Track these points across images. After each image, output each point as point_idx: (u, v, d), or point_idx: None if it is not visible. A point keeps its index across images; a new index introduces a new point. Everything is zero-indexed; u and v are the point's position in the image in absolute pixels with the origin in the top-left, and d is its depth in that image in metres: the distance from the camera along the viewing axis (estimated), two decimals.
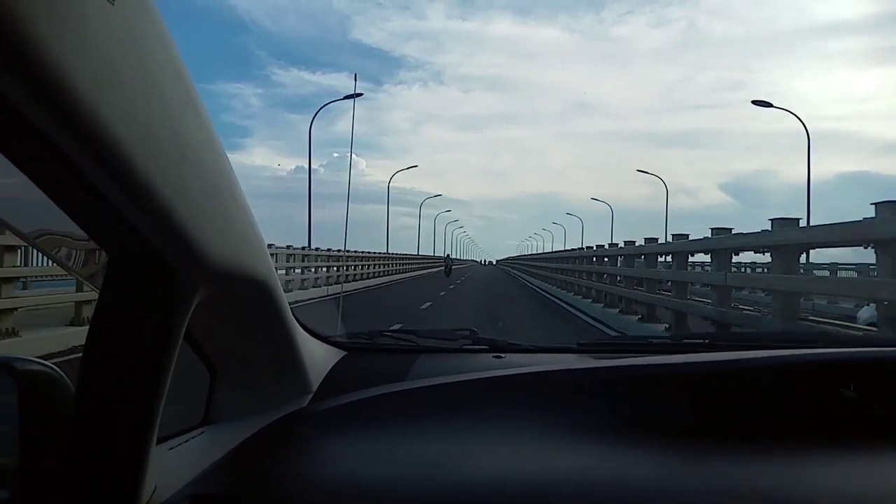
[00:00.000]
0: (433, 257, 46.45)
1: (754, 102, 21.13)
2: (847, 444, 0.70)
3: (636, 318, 8.80)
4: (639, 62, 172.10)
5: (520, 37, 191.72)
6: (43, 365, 0.56)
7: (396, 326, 1.52)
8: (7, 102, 0.33)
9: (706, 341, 1.25)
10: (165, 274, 0.50)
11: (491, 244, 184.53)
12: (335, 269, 17.43)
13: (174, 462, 0.63)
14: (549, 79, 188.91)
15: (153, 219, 0.44)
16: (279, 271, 13.75)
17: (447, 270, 30.54)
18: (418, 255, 43.13)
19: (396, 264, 29.11)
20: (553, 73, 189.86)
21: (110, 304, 0.50)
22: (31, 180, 0.40)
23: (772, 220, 5.40)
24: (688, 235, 7.98)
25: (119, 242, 0.48)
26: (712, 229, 6.96)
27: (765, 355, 0.85)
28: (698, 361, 0.87)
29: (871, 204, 4.15)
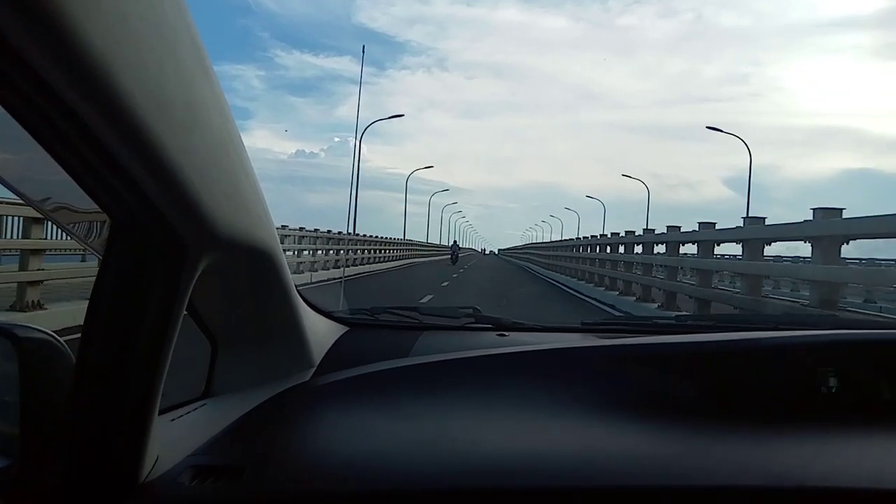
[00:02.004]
0: (437, 246, 46.43)
1: (708, 128, 22.72)
2: (846, 424, 0.70)
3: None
4: (645, 53, 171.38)
5: (525, 24, 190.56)
6: (45, 333, 0.56)
7: None
8: (14, 54, 0.32)
9: (711, 322, 1.24)
10: (171, 239, 0.49)
11: (492, 233, 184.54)
12: (344, 252, 17.51)
13: (176, 433, 0.63)
14: (554, 68, 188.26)
15: (161, 181, 0.43)
16: (289, 253, 13.88)
17: (454, 258, 30.79)
18: (426, 242, 43.21)
19: (404, 250, 29.20)
20: (558, 62, 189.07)
21: (113, 271, 0.49)
22: (36, 139, 0.39)
23: (814, 209, 5.17)
24: (679, 228, 8.49)
25: (125, 206, 0.46)
26: (745, 218, 7.09)
27: (766, 336, 0.86)
28: (703, 341, 0.87)
29: None
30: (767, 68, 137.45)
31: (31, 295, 5.37)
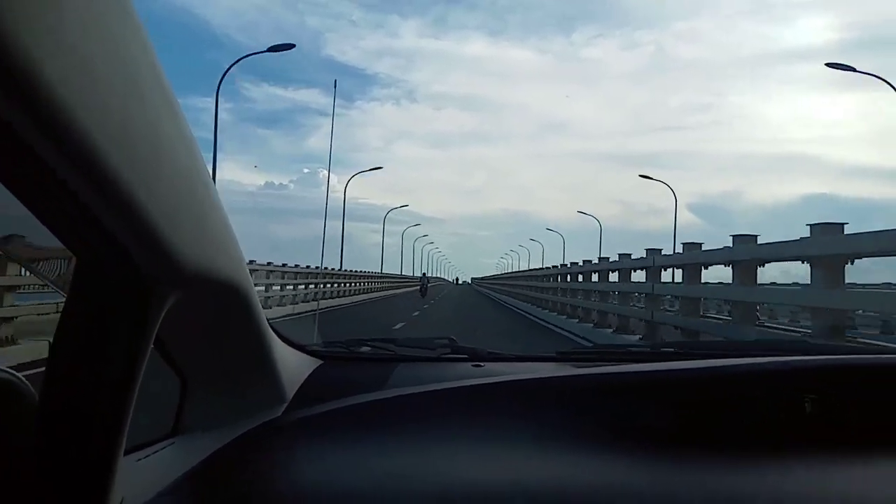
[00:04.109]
0: (407, 277, 46.29)
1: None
2: (823, 450, 0.71)
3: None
4: (609, 84, 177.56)
5: (492, 57, 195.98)
6: (5, 372, 0.54)
7: None
8: None
9: (684, 350, 1.27)
10: (136, 279, 0.48)
11: (465, 261, 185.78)
12: (312, 286, 17.60)
13: (142, 474, 0.62)
14: (521, 99, 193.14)
15: (125, 220, 0.43)
16: (258, 288, 13.84)
17: (423, 290, 30.37)
18: (393, 274, 43.09)
19: (369, 283, 28.97)
20: (525, 93, 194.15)
21: (77, 309, 0.49)
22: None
23: (811, 225, 4.79)
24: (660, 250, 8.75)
25: (89, 245, 0.46)
26: (683, 244, 7.52)
27: (741, 363, 0.88)
28: (676, 369, 0.88)
29: None
30: (728, 98, 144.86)
31: (5, 331, 5.63)
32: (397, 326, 12.03)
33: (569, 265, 14.98)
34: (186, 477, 0.66)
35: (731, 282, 6.23)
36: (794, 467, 0.68)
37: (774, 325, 7.31)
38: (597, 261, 12.22)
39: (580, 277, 12.91)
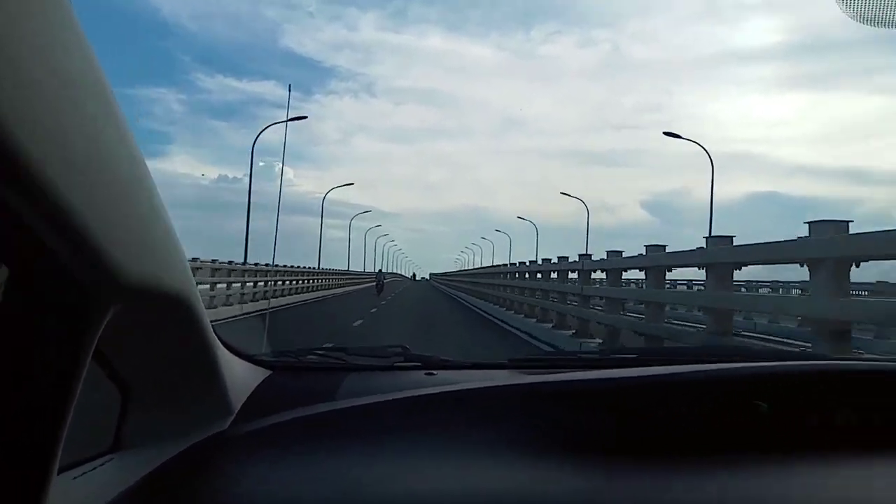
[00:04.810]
0: (363, 274, 45.88)
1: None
2: (768, 455, 0.74)
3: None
4: (566, 81, 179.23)
5: (452, 52, 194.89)
6: None
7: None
8: None
9: (634, 356, 1.29)
10: (73, 291, 0.47)
11: (423, 257, 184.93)
12: (262, 284, 17.14)
13: (79, 492, 0.60)
14: (481, 94, 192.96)
15: (61, 230, 0.41)
16: (202, 286, 13.44)
17: (379, 287, 30.32)
18: (348, 270, 42.60)
19: (324, 280, 28.64)
20: (484, 88, 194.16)
21: (10, 321, 0.46)
22: None
23: (809, 223, 4.38)
24: (621, 252, 8.69)
25: (21, 256, 0.44)
26: (646, 246, 7.47)
27: (688, 370, 0.90)
28: (625, 377, 0.91)
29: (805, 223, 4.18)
30: (679, 97, 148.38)
31: None
32: (356, 323, 12.38)
33: (528, 263, 15.16)
34: (126, 494, 0.64)
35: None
36: (740, 472, 0.71)
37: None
38: (541, 261, 12.70)
39: (538, 275, 13.04)
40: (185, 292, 0.64)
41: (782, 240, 4.78)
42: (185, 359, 0.76)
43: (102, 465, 0.68)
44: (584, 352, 1.95)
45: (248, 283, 16.29)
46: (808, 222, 4.25)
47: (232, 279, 15.39)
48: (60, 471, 0.52)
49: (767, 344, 5.34)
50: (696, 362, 0.99)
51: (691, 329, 7.00)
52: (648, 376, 0.89)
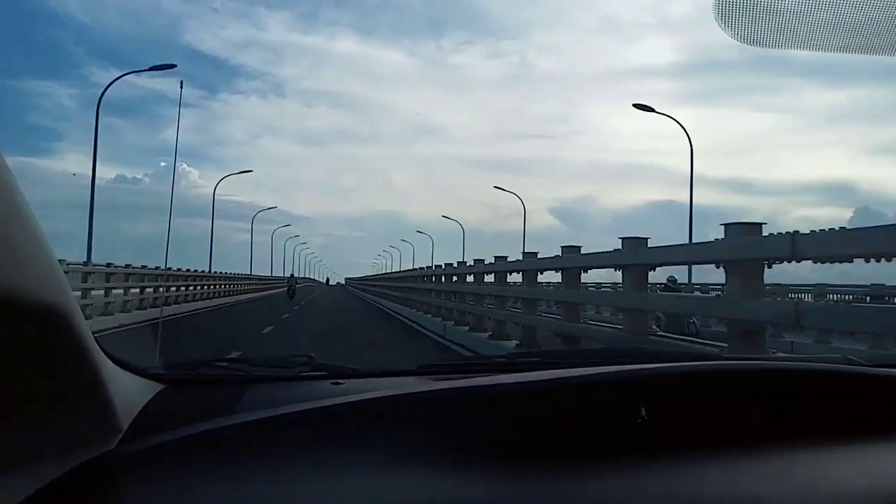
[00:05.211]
0: (274, 278, 44.42)
1: (496, 187, 30.17)
2: (663, 454, 0.76)
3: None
4: (477, 90, 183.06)
5: (363, 56, 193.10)
6: None
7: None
8: None
9: (539, 360, 1.31)
10: None
11: (338, 262, 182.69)
12: (152, 290, 15.97)
13: None
14: (392, 100, 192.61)
15: None
16: (96, 292, 12.22)
17: (291, 292, 29.37)
18: (258, 275, 41.08)
19: (230, 285, 27.41)
20: (395, 94, 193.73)
21: None
22: None
23: (725, 225, 4.39)
24: (536, 254, 8.91)
25: None
26: (562, 247, 7.68)
27: (583, 373, 0.92)
28: (528, 380, 0.91)
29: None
30: (582, 109, 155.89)
31: None
32: (266, 330, 12.08)
33: (443, 266, 15.29)
34: None
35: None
36: (638, 471, 0.73)
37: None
38: (456, 264, 12.84)
39: (454, 279, 13.20)
40: (58, 303, 0.60)
41: (698, 242, 4.95)
42: (63, 372, 0.71)
43: None
44: (493, 356, 2.01)
45: (132, 290, 15.07)
46: (724, 224, 4.34)
47: (112, 284, 13.95)
48: None
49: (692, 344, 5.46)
50: (598, 364, 1.02)
51: (608, 329, 7.18)
52: (550, 380, 0.90)
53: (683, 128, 20.82)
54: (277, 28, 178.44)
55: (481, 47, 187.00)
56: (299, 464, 0.73)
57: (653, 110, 20.69)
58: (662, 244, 5.68)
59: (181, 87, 2.49)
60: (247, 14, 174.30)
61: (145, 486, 0.70)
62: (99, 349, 0.76)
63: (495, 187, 32.53)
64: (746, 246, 4.12)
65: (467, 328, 10.91)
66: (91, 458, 0.74)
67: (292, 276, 36.09)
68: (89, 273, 12.96)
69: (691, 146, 20.47)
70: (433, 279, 16.08)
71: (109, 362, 0.82)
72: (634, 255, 5.65)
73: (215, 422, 0.83)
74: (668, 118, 21.17)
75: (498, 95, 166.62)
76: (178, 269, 18.72)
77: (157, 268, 15.46)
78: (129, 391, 0.89)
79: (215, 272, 25.20)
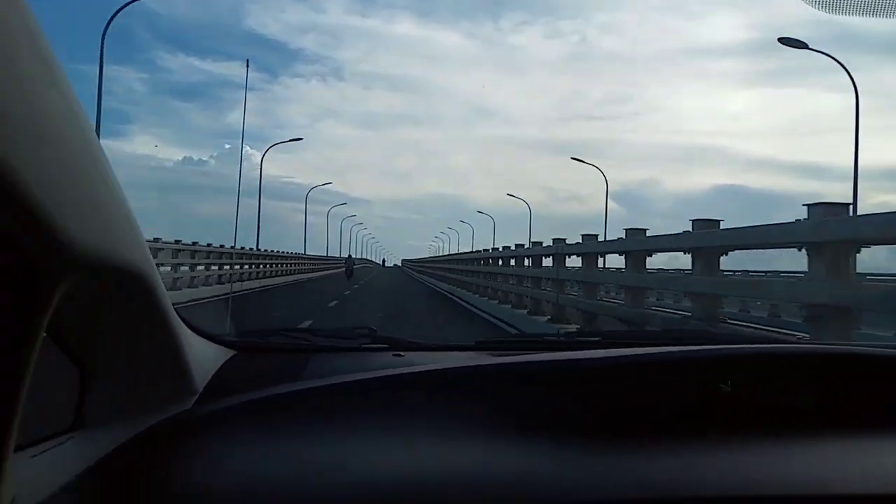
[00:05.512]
0: (330, 259, 45.51)
1: (573, 158, 27.77)
2: (728, 435, 0.76)
3: None
4: (535, 71, 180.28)
5: (421, 38, 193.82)
6: None
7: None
8: None
9: (599, 339, 1.31)
10: (21, 265, 0.46)
11: (394, 244, 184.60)
12: (228, 267, 16.95)
13: (37, 470, 0.60)
14: (451, 82, 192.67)
15: (4, 201, 0.40)
16: (164, 268, 13.04)
17: (349, 272, 30.15)
18: (316, 255, 42.21)
19: (289, 264, 28.34)
20: (454, 76, 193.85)
21: None
22: None
23: (808, 205, 4.21)
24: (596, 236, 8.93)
25: None
26: (626, 230, 7.42)
27: (650, 352, 0.92)
28: (588, 358, 0.92)
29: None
30: (645, 90, 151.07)
31: None
32: (331, 304, 12.93)
33: (500, 249, 15.26)
34: (86, 473, 0.64)
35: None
36: (698, 452, 0.73)
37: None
38: (529, 245, 12.63)
39: (512, 262, 13.08)
40: (141, 267, 0.63)
41: (776, 223, 4.74)
42: (144, 337, 0.75)
43: (62, 443, 0.68)
44: (550, 334, 1.93)
45: (213, 266, 16.01)
46: (807, 204, 4.17)
47: (196, 261, 15.06)
48: (18, 449, 0.52)
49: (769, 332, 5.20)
50: (658, 345, 1.02)
51: (674, 315, 6.92)
52: (611, 357, 0.90)
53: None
54: (336, 11, 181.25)
55: (540, 27, 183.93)
56: (361, 430, 0.76)
57: (807, 46, 16.57)
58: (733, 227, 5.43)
59: (247, 67, 2.53)
60: None
61: (218, 445, 0.74)
62: (177, 316, 0.80)
63: (573, 158, 29.45)
64: (835, 227, 3.92)
65: (525, 311, 10.87)
66: (169, 417, 0.79)
67: (350, 256, 37.02)
68: (179, 250, 13.93)
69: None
70: (489, 262, 16.05)
71: (186, 329, 0.86)
72: (706, 237, 5.44)
73: (282, 387, 0.86)
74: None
75: (557, 76, 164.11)
76: (251, 249, 19.54)
77: (221, 246, 16.23)
78: (204, 356, 0.94)
79: (273, 251, 25.97)
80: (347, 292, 17.51)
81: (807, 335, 4.13)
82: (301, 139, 39.59)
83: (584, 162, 29.83)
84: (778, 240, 4.73)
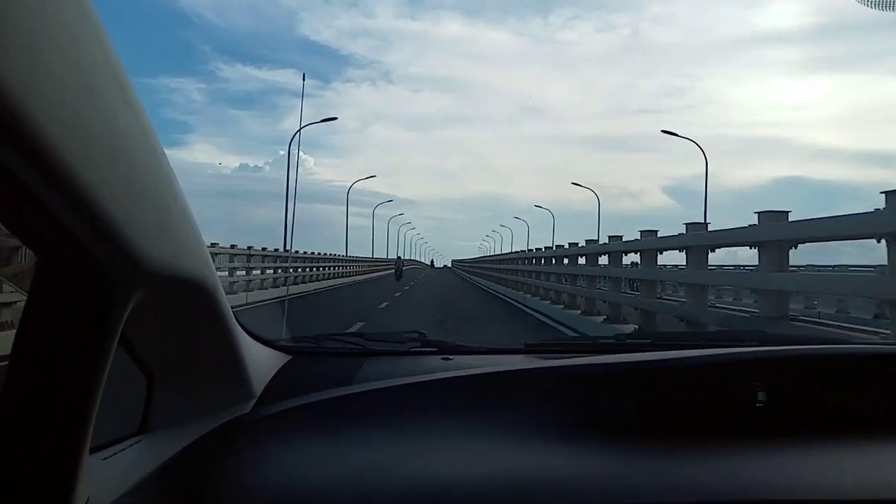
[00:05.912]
0: (378, 260, 46.13)
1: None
2: (779, 438, 0.75)
3: None
4: (585, 67, 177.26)
5: (469, 38, 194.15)
6: None
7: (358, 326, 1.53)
8: None
9: (650, 341, 1.31)
10: (98, 276, 0.49)
11: (443, 244, 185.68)
12: (281, 270, 17.38)
13: (109, 472, 0.63)
14: (498, 81, 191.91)
15: (83, 218, 0.43)
16: (222, 272, 13.61)
17: (398, 274, 30.47)
18: (364, 257, 42.97)
19: (344, 267, 28.91)
20: (502, 75, 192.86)
21: (39, 307, 0.49)
22: None
23: (887, 193, 3.87)
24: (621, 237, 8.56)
25: (47, 243, 0.46)
26: (686, 224, 7.14)
27: (702, 354, 0.91)
28: (640, 360, 0.92)
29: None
30: (701, 82, 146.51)
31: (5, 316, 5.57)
32: (382, 306, 13.20)
33: (554, 248, 14.95)
34: (153, 475, 0.67)
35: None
36: (753, 455, 0.72)
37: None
38: (567, 246, 12.52)
39: (565, 261, 12.78)
40: (204, 278, 0.66)
41: (852, 213, 4.44)
42: (206, 344, 0.78)
43: (131, 446, 0.70)
44: (600, 337, 1.96)
45: (268, 270, 16.58)
46: (885, 192, 3.88)
47: (252, 265, 15.62)
48: (91, 451, 0.54)
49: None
50: (709, 346, 1.00)
51: (741, 315, 6.49)
52: (660, 360, 0.90)
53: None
54: (385, 15, 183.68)
55: (590, 22, 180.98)
56: (413, 432, 0.78)
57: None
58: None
59: (303, 80, 2.61)
60: (356, 3, 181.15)
61: (276, 447, 0.77)
62: (236, 323, 0.83)
63: (573, 183, 28.92)
64: None
65: (579, 312, 10.64)
66: (231, 420, 0.83)
67: (399, 258, 37.42)
68: (235, 255, 14.53)
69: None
70: (541, 262, 15.83)
71: (246, 336, 0.90)
72: (773, 230, 5.12)
73: (336, 391, 0.89)
74: None
75: (608, 71, 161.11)
76: (305, 253, 19.96)
77: (276, 250, 16.62)
78: (261, 362, 0.97)
79: (330, 255, 26.56)
80: (398, 294, 17.64)
81: (888, 332, 3.88)
82: (336, 118, 39.65)
83: (677, 135, 25.48)
84: (853, 231, 4.45)
